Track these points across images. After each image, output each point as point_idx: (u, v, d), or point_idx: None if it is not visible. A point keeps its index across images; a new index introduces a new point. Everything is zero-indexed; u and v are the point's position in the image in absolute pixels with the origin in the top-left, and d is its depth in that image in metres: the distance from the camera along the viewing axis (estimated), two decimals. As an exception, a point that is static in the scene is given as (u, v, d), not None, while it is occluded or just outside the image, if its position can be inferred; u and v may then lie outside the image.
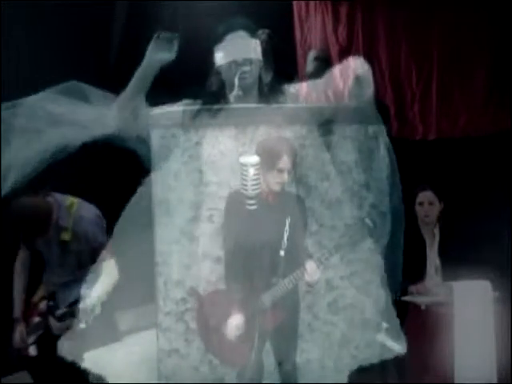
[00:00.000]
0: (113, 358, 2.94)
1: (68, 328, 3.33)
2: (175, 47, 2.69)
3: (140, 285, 2.92)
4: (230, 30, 2.75)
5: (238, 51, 2.72)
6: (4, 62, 4.17)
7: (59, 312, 3.36)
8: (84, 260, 3.41)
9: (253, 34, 2.76)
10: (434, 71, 5.27)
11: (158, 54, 2.69)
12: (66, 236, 3.36)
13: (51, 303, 3.40)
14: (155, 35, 2.67)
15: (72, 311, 3.33)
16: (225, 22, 2.80)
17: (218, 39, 2.77)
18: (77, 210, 3.38)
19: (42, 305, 3.43)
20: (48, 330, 3.39)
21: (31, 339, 3.39)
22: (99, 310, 3.48)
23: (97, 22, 4.65)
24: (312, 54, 5.49)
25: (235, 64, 2.72)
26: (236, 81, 2.72)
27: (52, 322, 3.36)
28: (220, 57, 2.75)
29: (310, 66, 5.38)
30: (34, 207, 3.28)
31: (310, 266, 2.64)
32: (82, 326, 3.35)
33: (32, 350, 3.38)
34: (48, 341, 3.34)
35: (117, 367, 2.91)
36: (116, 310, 3.67)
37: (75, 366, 3.40)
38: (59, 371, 3.35)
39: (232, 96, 2.75)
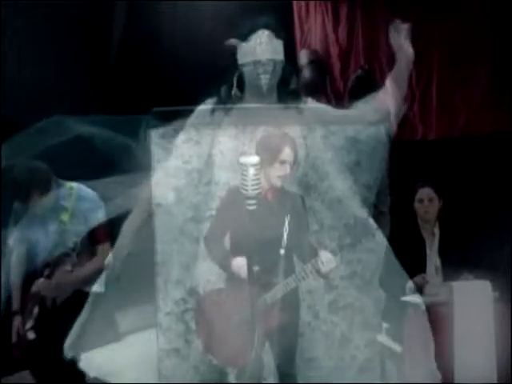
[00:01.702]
0: (113, 357, 2.94)
1: (58, 288, 3.37)
2: None
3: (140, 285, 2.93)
4: (256, 28, 2.75)
5: (262, 51, 2.72)
6: (4, 62, 4.17)
7: (47, 271, 3.39)
8: (79, 241, 3.45)
9: (278, 33, 2.76)
10: (433, 71, 5.27)
11: None
12: (64, 217, 3.39)
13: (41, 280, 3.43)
14: None
15: (56, 262, 3.36)
16: (250, 20, 2.80)
17: (243, 37, 2.76)
18: (77, 192, 3.42)
19: (34, 286, 3.45)
20: (44, 313, 3.40)
21: (29, 324, 3.41)
22: (103, 288, 3.51)
23: (97, 23, 4.66)
24: (304, 55, 5.51)
25: (259, 64, 2.72)
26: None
27: (41, 284, 3.38)
28: (244, 55, 2.75)
29: (303, 67, 5.40)
30: (33, 164, 3.34)
31: (325, 255, 2.59)
32: (68, 268, 3.37)
33: (30, 334, 3.39)
34: (45, 325, 3.36)
35: (117, 367, 2.92)
36: (116, 310, 3.68)
37: (74, 365, 3.41)
38: (58, 370, 3.36)
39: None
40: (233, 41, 2.77)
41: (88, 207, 3.42)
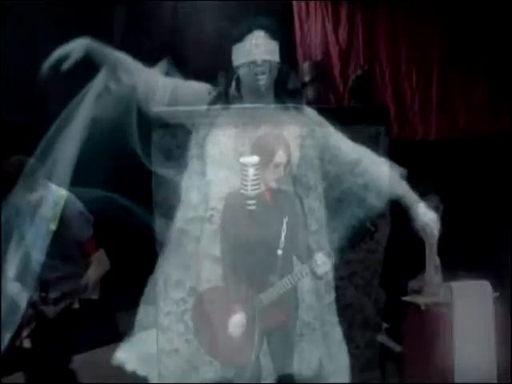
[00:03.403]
0: (113, 357, 2.94)
1: (62, 311, 3.37)
2: None
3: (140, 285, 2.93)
4: (251, 29, 2.74)
5: (257, 52, 2.71)
6: (4, 61, 4.17)
7: (53, 295, 3.38)
8: (71, 252, 3.45)
9: (273, 34, 2.76)
10: (433, 71, 5.28)
11: None
12: (52, 225, 3.40)
13: (43, 294, 3.42)
14: None
15: (66, 293, 3.35)
16: (246, 21, 2.79)
17: (237, 38, 2.75)
18: (64, 203, 3.42)
19: (35, 296, 3.45)
20: (41, 323, 3.40)
21: (26, 332, 3.40)
22: (97, 295, 3.50)
23: (97, 23, 4.66)
24: (306, 67, 5.52)
25: (254, 65, 2.71)
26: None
27: (45, 308, 3.38)
28: (239, 56, 2.75)
29: (306, 77, 5.42)
30: (23, 159, 3.33)
31: (320, 257, 2.62)
32: (76, 306, 3.36)
33: (26, 343, 3.39)
34: (42, 334, 3.36)
35: (117, 367, 2.91)
36: (116, 310, 3.67)
37: (68, 366, 3.42)
38: (53, 371, 3.36)
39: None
40: None
41: (74, 218, 3.42)
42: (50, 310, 3.37)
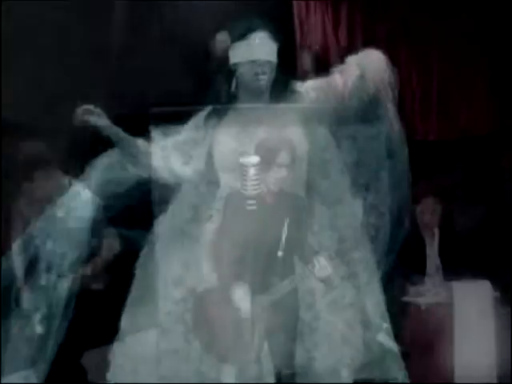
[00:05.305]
0: (113, 357, 2.94)
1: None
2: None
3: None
4: (252, 29, 2.75)
5: (259, 52, 2.72)
6: (4, 61, 4.18)
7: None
8: None
9: (274, 36, 2.77)
10: (434, 71, 5.28)
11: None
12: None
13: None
14: None
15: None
16: (246, 21, 2.80)
17: (239, 36, 2.76)
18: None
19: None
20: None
21: (37, 317, 3.41)
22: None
23: (97, 24, 4.67)
24: (306, 55, 5.50)
25: (256, 64, 2.72)
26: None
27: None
28: (238, 55, 2.75)
29: (305, 65, 5.39)
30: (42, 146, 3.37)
31: (320, 261, 2.60)
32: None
33: (38, 328, 3.39)
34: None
35: (117, 367, 2.91)
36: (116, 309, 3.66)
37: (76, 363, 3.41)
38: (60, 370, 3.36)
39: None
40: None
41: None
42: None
